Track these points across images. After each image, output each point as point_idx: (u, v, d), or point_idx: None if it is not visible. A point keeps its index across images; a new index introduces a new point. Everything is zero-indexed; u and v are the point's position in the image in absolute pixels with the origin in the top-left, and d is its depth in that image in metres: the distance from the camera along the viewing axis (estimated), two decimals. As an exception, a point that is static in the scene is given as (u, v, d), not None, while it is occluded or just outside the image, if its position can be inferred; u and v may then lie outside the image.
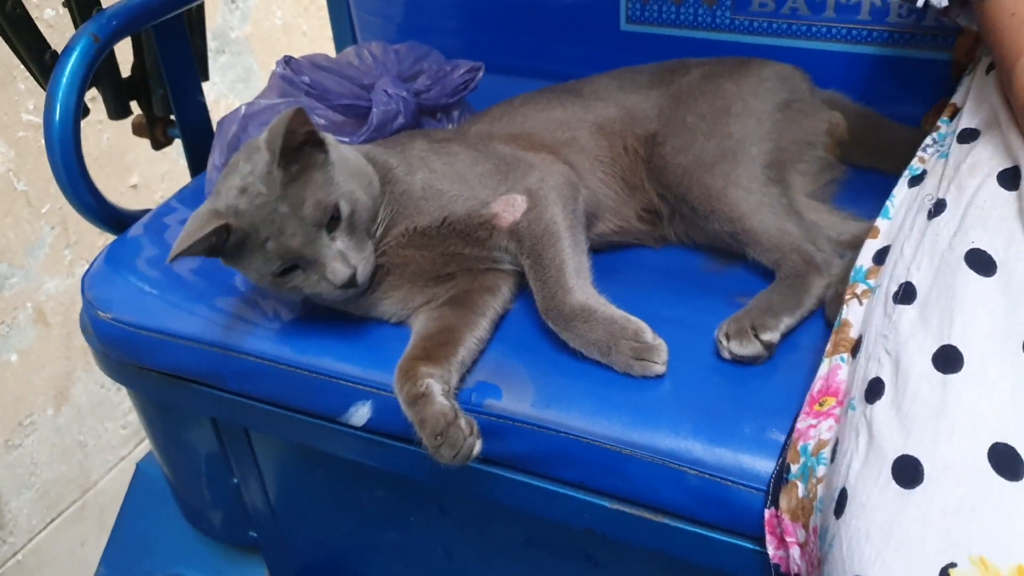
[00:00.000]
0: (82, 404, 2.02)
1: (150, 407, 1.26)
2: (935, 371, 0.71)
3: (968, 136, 0.88)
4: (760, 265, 1.03)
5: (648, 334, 0.92)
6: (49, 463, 1.99)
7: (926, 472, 0.66)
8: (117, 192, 2.02)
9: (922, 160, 0.95)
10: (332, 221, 0.91)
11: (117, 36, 1.20)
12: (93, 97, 1.41)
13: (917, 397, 0.70)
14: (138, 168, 2.04)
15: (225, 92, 2.27)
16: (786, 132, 1.12)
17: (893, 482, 0.67)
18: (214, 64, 2.22)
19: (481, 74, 1.26)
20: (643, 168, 1.12)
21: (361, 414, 1.00)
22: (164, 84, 1.35)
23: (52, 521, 2.03)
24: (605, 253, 1.11)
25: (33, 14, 1.24)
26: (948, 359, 0.71)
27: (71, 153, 1.16)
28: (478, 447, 0.87)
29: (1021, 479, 0.64)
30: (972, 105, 0.92)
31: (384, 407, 0.96)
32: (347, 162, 0.96)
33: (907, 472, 0.67)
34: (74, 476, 2.06)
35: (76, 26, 1.26)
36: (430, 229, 1.00)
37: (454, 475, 0.93)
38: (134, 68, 1.38)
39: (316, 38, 2.43)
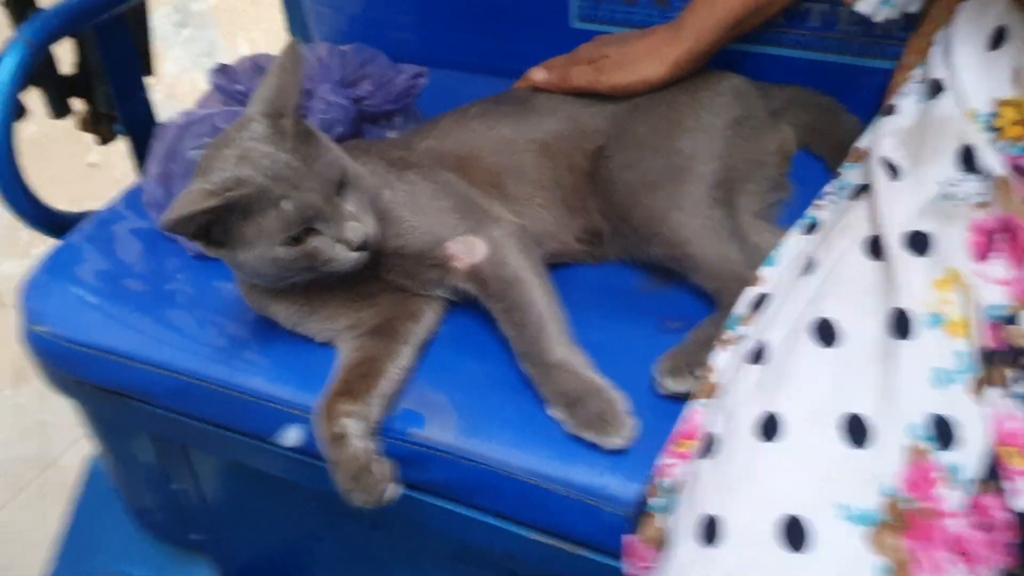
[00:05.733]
0: (41, 383, 2.02)
1: (91, 416, 1.26)
2: (752, 436, 0.72)
3: (856, 193, 0.86)
4: (699, 289, 1.02)
5: (622, 404, 0.89)
6: (9, 442, 2.00)
7: (720, 532, 0.69)
8: (75, 171, 2.00)
9: (818, 207, 0.93)
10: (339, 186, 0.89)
11: (52, 40, 1.17)
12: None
13: (733, 459, 0.73)
14: (97, 146, 2.02)
15: (188, 66, 2.24)
16: (737, 151, 1.10)
17: (694, 539, 0.70)
18: (176, 38, 2.20)
19: (424, 80, 1.24)
20: (587, 186, 1.10)
21: (292, 436, 1.00)
22: (107, 81, 1.33)
23: (14, 498, 2.04)
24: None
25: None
26: (767, 426, 0.72)
27: (4, 157, 1.14)
28: (391, 492, 0.87)
29: (803, 551, 0.66)
30: (869, 158, 0.90)
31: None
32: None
33: (707, 530, 0.70)
34: (34, 454, 2.07)
35: (13, 26, 1.24)
36: (378, 254, 0.96)
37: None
38: (77, 65, 1.35)
39: (283, 9, 2.38)
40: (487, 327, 1.01)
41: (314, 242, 0.88)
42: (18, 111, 1.17)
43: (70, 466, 2.11)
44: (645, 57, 1.15)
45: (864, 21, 1.20)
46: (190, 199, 0.84)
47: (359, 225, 0.88)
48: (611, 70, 1.15)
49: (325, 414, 0.90)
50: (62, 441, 2.12)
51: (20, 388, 2.00)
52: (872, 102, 1.22)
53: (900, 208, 0.79)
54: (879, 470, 0.68)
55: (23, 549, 2.03)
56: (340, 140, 1.15)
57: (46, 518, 2.08)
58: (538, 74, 1.20)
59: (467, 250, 0.98)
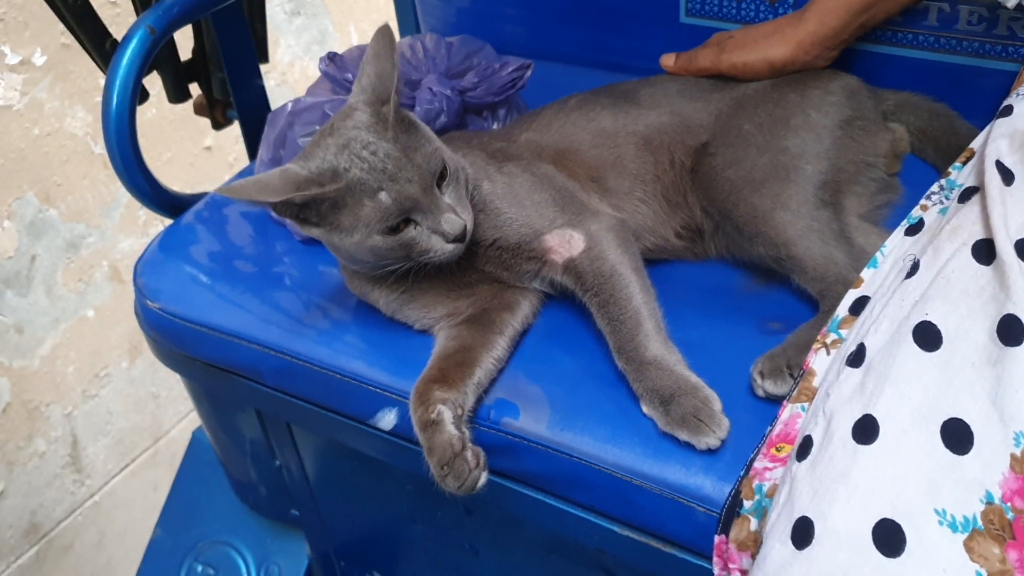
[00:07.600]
0: (154, 358, 2.11)
1: (199, 391, 1.31)
2: (851, 439, 0.71)
3: (966, 195, 0.82)
4: (802, 291, 1.00)
5: (717, 404, 0.88)
6: (124, 412, 2.09)
7: (816, 534, 0.68)
8: (191, 154, 2.07)
9: (923, 208, 0.90)
10: (438, 178, 0.90)
11: (173, 27, 1.22)
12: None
13: (831, 462, 0.71)
14: (212, 130, 2.09)
15: (300, 54, 2.29)
16: (845, 152, 1.07)
17: (790, 541, 0.69)
18: (289, 26, 2.25)
19: (530, 72, 1.24)
20: (688, 181, 1.09)
21: (388, 420, 1.02)
22: (222, 68, 1.37)
23: (126, 466, 2.14)
24: (640, 267, 1.09)
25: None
26: (866, 429, 0.71)
27: (126, 140, 1.20)
28: (483, 479, 0.88)
29: (899, 556, 0.65)
30: (979, 158, 0.86)
31: (409, 416, 0.97)
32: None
33: (801, 532, 0.69)
34: (147, 425, 2.16)
35: (137, 13, 1.29)
36: (476, 245, 0.97)
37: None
38: (194, 51, 1.40)
39: (393, -1, 2.42)
40: (583, 321, 1.01)
41: (411, 232, 0.89)
42: (141, 95, 1.22)
43: (179, 438, 2.20)
44: (768, 36, 1.16)
45: (984, 20, 1.16)
46: (284, 177, 0.87)
47: (456, 217, 0.89)
48: (733, 49, 1.16)
49: (420, 400, 0.92)
50: (174, 414, 2.22)
51: (135, 362, 2.09)
52: (989, 106, 1.17)
53: (1014, 215, 0.76)
54: (983, 477, 0.66)
55: (135, 516, 2.14)
56: (443, 131, 1.17)
57: (157, 488, 2.18)
58: (667, 59, 1.24)
59: (564, 243, 0.98)
